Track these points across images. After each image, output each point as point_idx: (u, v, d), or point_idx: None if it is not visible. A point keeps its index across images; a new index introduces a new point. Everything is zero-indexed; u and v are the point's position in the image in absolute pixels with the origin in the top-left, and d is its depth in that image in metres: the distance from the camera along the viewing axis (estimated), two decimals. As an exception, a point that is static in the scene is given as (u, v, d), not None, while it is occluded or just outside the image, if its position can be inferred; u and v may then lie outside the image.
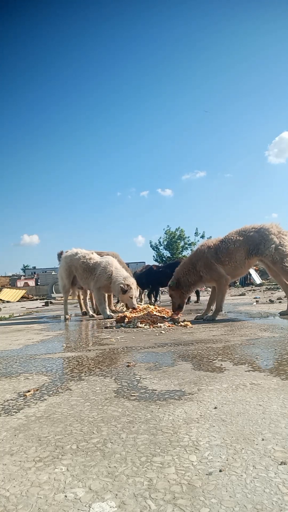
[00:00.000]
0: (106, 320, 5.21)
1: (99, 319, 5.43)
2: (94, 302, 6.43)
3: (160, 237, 34.65)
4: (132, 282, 5.29)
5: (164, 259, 32.44)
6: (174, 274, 4.71)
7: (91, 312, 6.11)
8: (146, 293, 9.14)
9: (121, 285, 5.12)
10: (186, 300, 4.79)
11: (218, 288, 4.50)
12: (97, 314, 6.04)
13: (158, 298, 8.95)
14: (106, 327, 4.36)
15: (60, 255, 6.84)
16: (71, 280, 5.88)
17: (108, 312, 5.48)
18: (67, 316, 5.86)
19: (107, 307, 5.74)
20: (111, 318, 5.24)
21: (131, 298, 5.25)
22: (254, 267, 15.66)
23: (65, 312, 5.94)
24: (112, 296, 6.27)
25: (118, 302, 7.12)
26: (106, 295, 5.81)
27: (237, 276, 4.87)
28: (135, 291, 5.32)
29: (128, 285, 5.15)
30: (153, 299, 8.55)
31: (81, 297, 6.45)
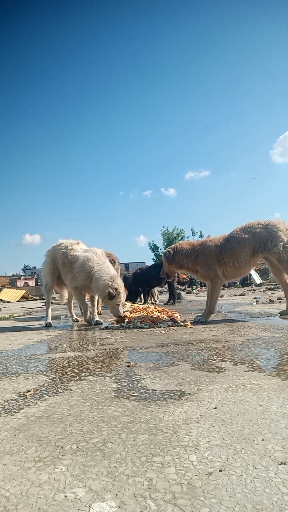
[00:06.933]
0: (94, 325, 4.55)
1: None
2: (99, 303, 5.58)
3: (152, 241, 34.85)
4: (121, 285, 4.40)
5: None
6: (175, 247, 4.63)
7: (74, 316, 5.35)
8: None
9: (110, 290, 4.20)
10: (173, 282, 4.86)
11: (212, 288, 4.42)
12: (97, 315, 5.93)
13: (154, 299, 8.96)
14: (107, 327, 4.36)
15: None
16: (54, 276, 4.86)
17: (95, 318, 4.74)
18: (49, 321, 4.87)
19: (95, 310, 4.93)
20: (91, 324, 4.61)
21: (118, 305, 4.35)
22: (254, 267, 15.68)
23: (47, 315, 4.96)
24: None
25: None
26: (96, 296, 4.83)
27: (240, 276, 4.75)
28: (123, 296, 4.44)
29: (116, 289, 4.26)
30: (149, 299, 8.54)
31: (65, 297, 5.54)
